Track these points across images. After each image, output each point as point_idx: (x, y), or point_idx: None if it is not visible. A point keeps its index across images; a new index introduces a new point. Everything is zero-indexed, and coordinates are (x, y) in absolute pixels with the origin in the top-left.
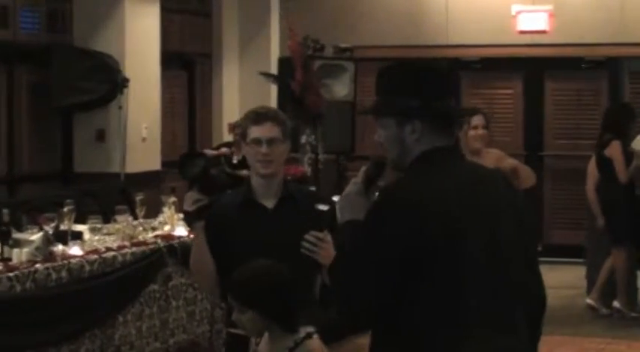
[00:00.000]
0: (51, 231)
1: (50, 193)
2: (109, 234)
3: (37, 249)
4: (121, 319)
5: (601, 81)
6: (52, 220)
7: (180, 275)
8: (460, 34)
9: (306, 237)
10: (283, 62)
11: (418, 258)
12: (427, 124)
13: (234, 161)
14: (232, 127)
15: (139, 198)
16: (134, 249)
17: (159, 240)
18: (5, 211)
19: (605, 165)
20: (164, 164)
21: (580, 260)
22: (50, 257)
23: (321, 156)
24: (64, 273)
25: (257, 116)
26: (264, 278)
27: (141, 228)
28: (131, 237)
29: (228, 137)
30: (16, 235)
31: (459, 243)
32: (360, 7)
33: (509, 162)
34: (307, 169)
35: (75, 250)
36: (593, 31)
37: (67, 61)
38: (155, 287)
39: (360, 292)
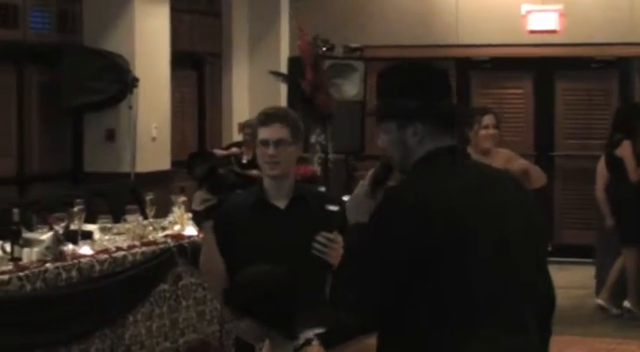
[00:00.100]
0: (61, 231)
1: (60, 193)
2: (119, 233)
3: (47, 248)
4: (131, 319)
5: (611, 81)
6: (62, 220)
7: (190, 274)
8: (470, 33)
9: (317, 238)
10: (293, 62)
11: (423, 258)
12: (428, 125)
13: (244, 161)
14: (242, 127)
15: (148, 197)
16: (144, 248)
17: (169, 240)
18: (15, 211)
19: (616, 165)
20: (174, 164)
21: (590, 260)
22: (60, 256)
23: (330, 156)
24: (74, 273)
25: (265, 117)
26: (260, 284)
27: (151, 228)
28: (141, 237)
29: (237, 137)
30: (27, 235)
31: (464, 242)
32: (370, 7)
33: (520, 163)
34: (317, 169)
35: (85, 250)
36: (604, 30)
37: (77, 61)
38: (165, 286)
39: (367, 293)
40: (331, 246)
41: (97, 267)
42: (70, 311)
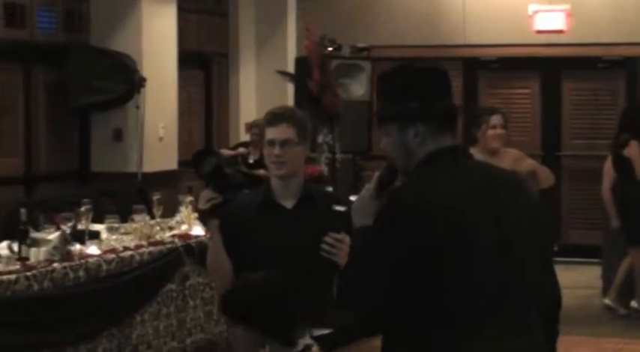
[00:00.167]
0: (68, 231)
1: (67, 193)
2: (126, 233)
3: (54, 248)
4: (138, 318)
5: (618, 80)
6: (69, 220)
7: (198, 274)
8: (477, 33)
9: (325, 238)
10: (300, 62)
11: (426, 259)
12: (429, 126)
13: (251, 161)
14: (249, 127)
15: (156, 197)
16: (151, 248)
17: (176, 240)
18: (23, 211)
19: (624, 165)
20: (181, 163)
21: (597, 260)
22: (68, 256)
23: (338, 156)
24: (81, 273)
25: (273, 117)
26: (257, 291)
27: (158, 228)
28: (148, 237)
29: (245, 136)
30: (34, 234)
31: (465, 242)
32: (377, 7)
33: (528, 163)
34: (324, 169)
35: (92, 249)
36: (610, 30)
37: (84, 60)
38: (172, 286)
39: (370, 294)
40: (339, 247)
41: (105, 267)
42: (78, 310)
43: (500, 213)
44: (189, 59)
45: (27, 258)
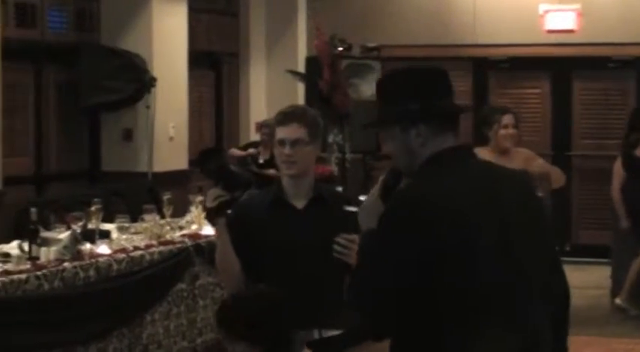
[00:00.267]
0: (79, 230)
1: (78, 192)
2: (136, 233)
3: (65, 247)
4: (148, 318)
5: (628, 80)
6: (79, 219)
7: (208, 274)
8: (488, 33)
9: (337, 239)
10: (311, 61)
11: (430, 260)
12: (431, 127)
13: (261, 161)
14: (259, 127)
15: (166, 197)
16: (162, 248)
17: (186, 239)
18: (33, 210)
19: (634, 165)
20: (191, 163)
21: (606, 260)
22: (78, 256)
23: (348, 156)
24: (91, 272)
25: (283, 117)
26: (252, 309)
27: (168, 227)
28: (159, 236)
29: (255, 136)
30: (44, 234)
31: (468, 242)
32: (387, 7)
33: (539, 164)
34: (334, 169)
35: (103, 249)
36: (621, 30)
37: (95, 60)
38: (183, 286)
39: (376, 296)
40: (351, 247)
41: (115, 267)
42: (88, 310)
43: (504, 213)
44: (200, 59)
45: (37, 258)
